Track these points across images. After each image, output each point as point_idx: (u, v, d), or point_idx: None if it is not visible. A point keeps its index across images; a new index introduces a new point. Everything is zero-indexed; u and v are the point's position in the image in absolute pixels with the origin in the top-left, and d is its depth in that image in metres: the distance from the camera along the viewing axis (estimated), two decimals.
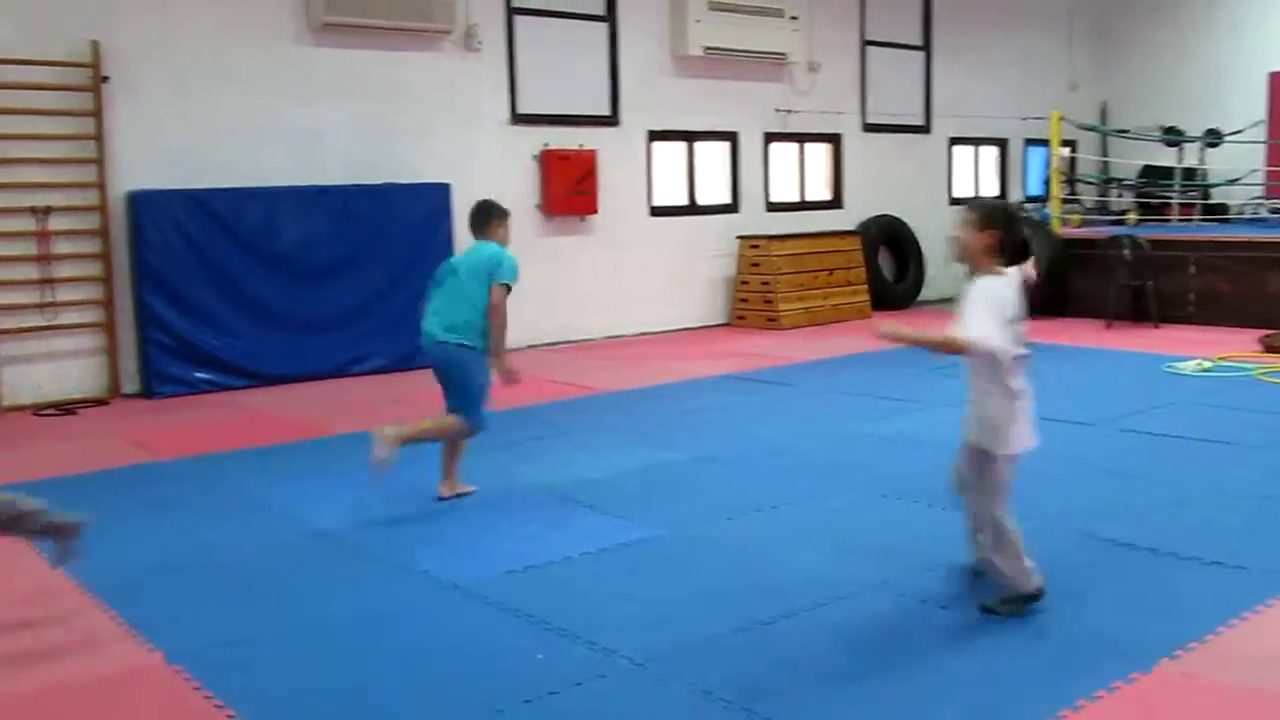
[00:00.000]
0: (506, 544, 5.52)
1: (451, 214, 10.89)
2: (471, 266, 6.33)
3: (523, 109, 11.86)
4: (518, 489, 6.55)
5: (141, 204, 9.56)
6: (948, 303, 15.54)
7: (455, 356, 6.21)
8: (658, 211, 13.13)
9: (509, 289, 6.26)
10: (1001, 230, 4.33)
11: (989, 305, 4.24)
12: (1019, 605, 4.46)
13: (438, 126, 11.24)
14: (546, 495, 6.40)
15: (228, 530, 5.90)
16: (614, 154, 12.55)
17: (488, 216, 6.57)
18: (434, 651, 4.29)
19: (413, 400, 9.29)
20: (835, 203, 15.03)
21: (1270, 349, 10.55)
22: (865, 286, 14.36)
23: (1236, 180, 15.78)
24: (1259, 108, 16.25)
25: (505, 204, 11.51)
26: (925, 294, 15.69)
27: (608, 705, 3.84)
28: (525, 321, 11.98)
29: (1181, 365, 9.86)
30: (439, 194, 10.87)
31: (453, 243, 10.90)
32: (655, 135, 13.04)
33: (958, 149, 16.58)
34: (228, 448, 7.76)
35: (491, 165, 11.66)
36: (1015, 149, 17.33)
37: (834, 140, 14.91)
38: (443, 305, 6.32)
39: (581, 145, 12.21)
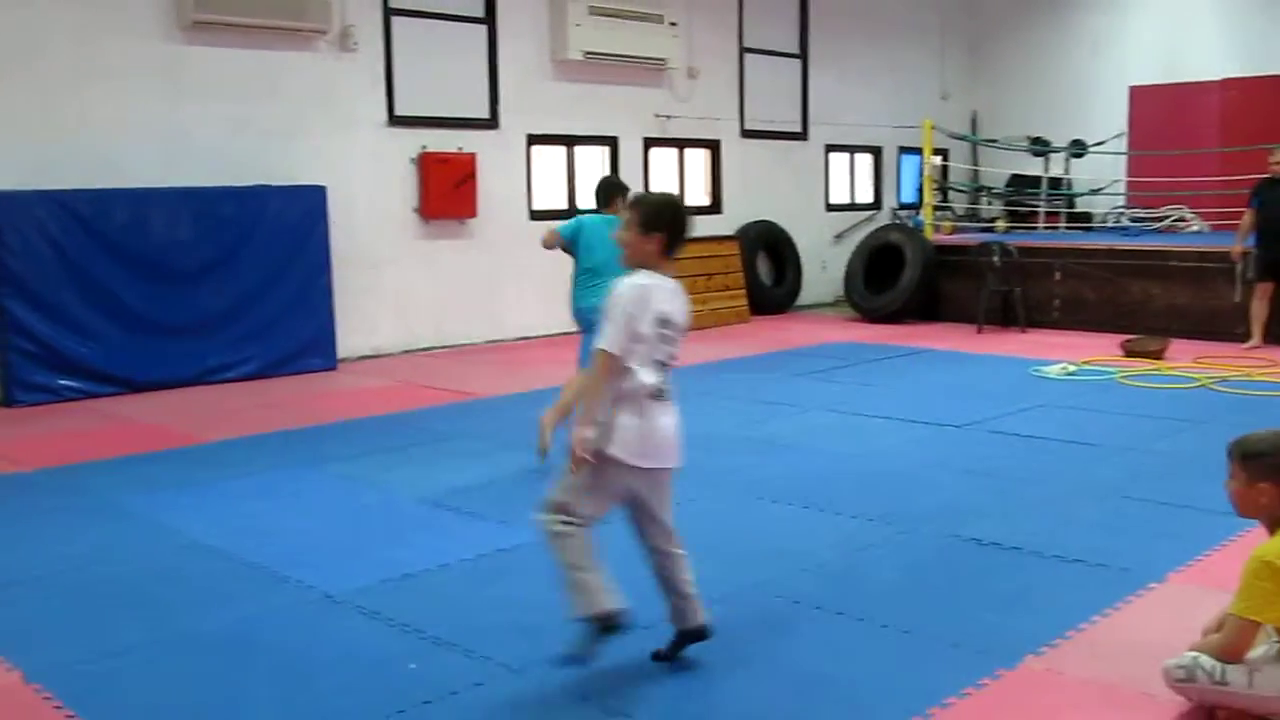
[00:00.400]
0: (382, 552, 5.45)
1: (327, 216, 10.72)
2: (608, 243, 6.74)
3: (400, 111, 11.72)
4: (394, 496, 6.46)
5: (1, 205, 9.22)
6: (824, 307, 15.81)
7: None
8: (538, 215, 13.07)
9: None
10: (667, 232, 4.05)
11: (618, 315, 3.88)
12: (585, 635, 3.92)
13: (313, 128, 11.05)
14: (423, 502, 6.33)
15: (94, 542, 5.72)
16: (493, 157, 12.48)
17: (613, 192, 7.49)
18: (307, 663, 4.21)
19: (285, 405, 9.14)
20: (714, 208, 15.15)
21: (1131, 353, 10.91)
22: (743, 291, 14.50)
23: (1099, 190, 16.31)
24: (1120, 120, 16.80)
25: (382, 208, 11.56)
26: (802, 299, 15.89)
27: (483, 713, 3.81)
28: (403, 326, 11.88)
29: (1047, 369, 10.14)
30: (314, 196, 10.68)
31: (328, 245, 10.75)
32: (535, 139, 13.00)
33: (834, 156, 16.84)
34: (94, 457, 7.52)
35: (368, 167, 11.51)
36: (890, 157, 17.66)
37: (713, 146, 15.03)
38: (599, 282, 6.84)
39: (460, 148, 12.12)
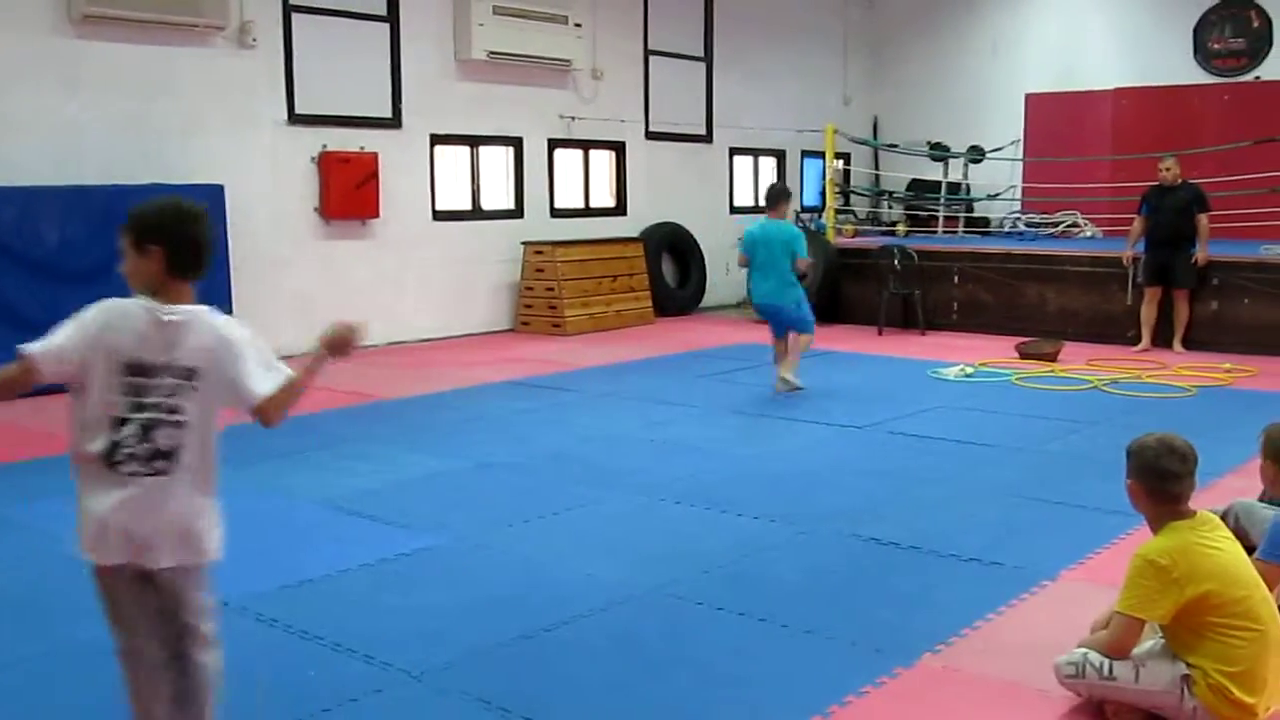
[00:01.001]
0: (281, 558, 5.36)
1: (225, 216, 10.51)
2: (776, 243, 9.20)
3: (301, 109, 11.55)
4: (294, 501, 6.37)
5: None
6: (728, 309, 15.91)
7: (787, 308, 9.34)
8: (441, 216, 12.99)
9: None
10: (166, 245, 3.18)
11: (60, 330, 3.16)
12: None
13: (210, 126, 10.84)
14: (324, 507, 6.25)
15: None
16: (396, 157, 12.36)
17: (779, 197, 9.50)
18: None
19: None
20: (619, 210, 15.17)
21: (1026, 356, 11.14)
22: (648, 293, 14.54)
23: (997, 195, 16.64)
24: (1017, 127, 17.14)
25: (282, 208, 11.38)
26: (707, 301, 15.98)
27: None
28: (303, 328, 11.68)
29: (945, 371, 10.31)
30: (211, 196, 10.40)
31: (226, 246, 10.54)
32: (438, 139, 12.91)
33: (738, 159, 16.95)
34: None
35: (268, 166, 11.32)
36: (793, 160, 17.83)
37: (618, 148, 15.05)
38: (764, 277, 9.36)
39: (362, 148, 11.98)
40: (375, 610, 4.73)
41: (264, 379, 3.28)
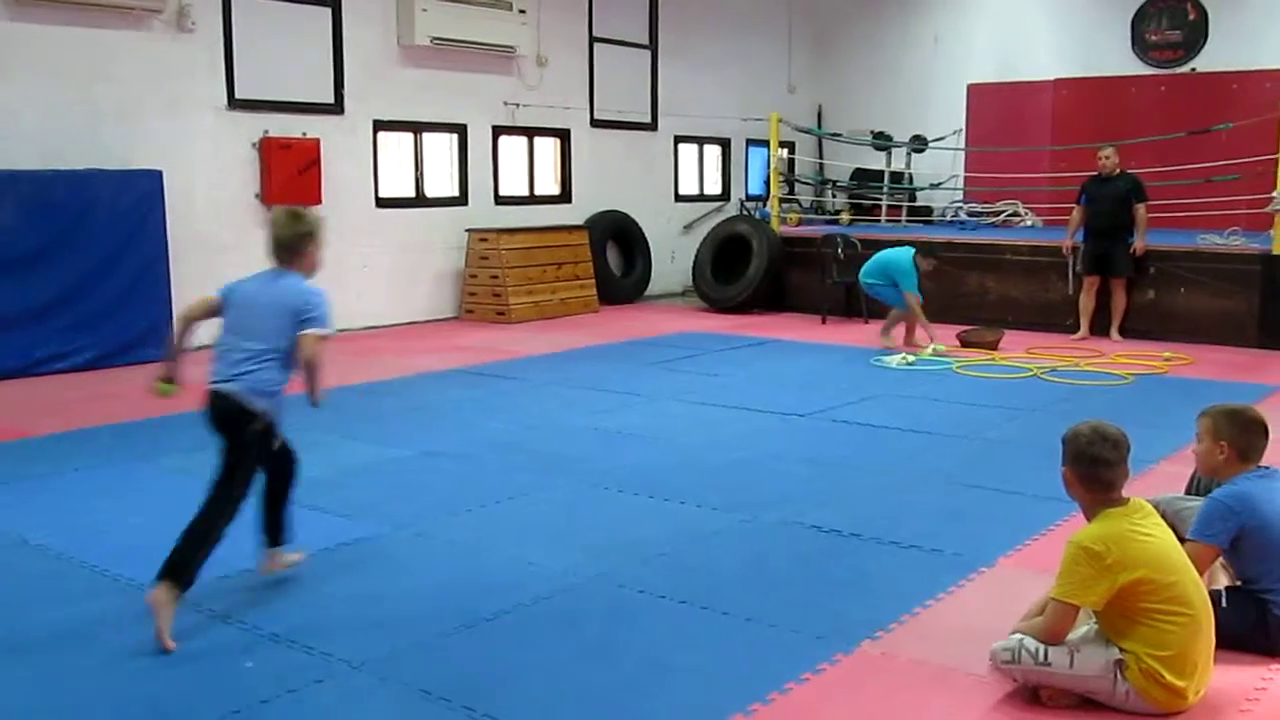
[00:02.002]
0: (220, 548, 5.29)
1: (164, 202, 10.38)
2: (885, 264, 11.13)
3: (241, 94, 11.41)
4: None
5: None
6: (673, 297, 15.94)
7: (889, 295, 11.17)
8: (384, 203, 12.90)
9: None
10: None
11: None
12: None
13: (147, 110, 10.68)
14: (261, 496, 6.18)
15: None
16: (338, 143, 12.25)
17: None
18: (139, 663, 4.08)
19: (120, 397, 8.84)
20: (564, 197, 15.13)
21: (967, 344, 11.26)
22: (592, 281, 14.52)
23: (939, 184, 16.76)
24: (959, 116, 17.28)
25: (222, 194, 11.24)
26: (652, 289, 15.99)
27: (322, 711, 3.76)
28: None
29: (888, 359, 10.40)
30: (149, 181, 10.33)
31: (165, 232, 10.42)
32: (381, 125, 12.81)
33: (683, 147, 16.96)
34: None
35: (207, 152, 11.18)
36: (738, 149, 17.87)
37: (563, 135, 15.01)
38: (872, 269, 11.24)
39: (304, 134, 11.87)
40: (316, 600, 4.70)
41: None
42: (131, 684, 3.93)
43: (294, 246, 4.80)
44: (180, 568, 4.29)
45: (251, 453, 4.63)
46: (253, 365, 4.60)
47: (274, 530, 4.86)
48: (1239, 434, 4.25)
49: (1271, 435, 4.37)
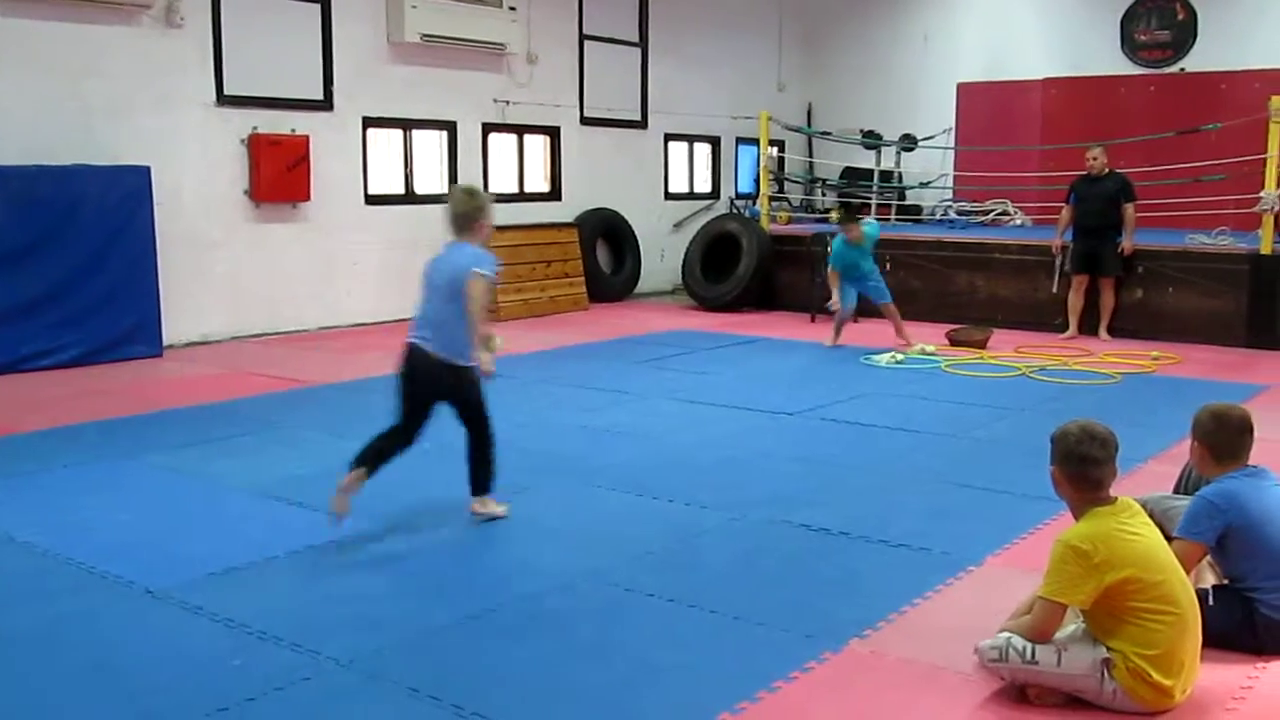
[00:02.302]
0: (207, 546, 5.30)
1: (152, 198, 10.35)
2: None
3: (230, 90, 11.37)
4: (221, 488, 6.30)
5: None
6: (663, 295, 15.93)
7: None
8: (373, 200, 12.87)
9: None
10: None
11: None
12: None
13: (137, 107, 10.64)
14: (252, 493, 6.18)
15: None
16: (328, 140, 12.21)
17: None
18: (124, 661, 4.08)
19: (107, 393, 8.82)
20: (553, 195, 15.11)
21: (955, 343, 11.27)
22: (582, 279, 14.51)
23: (929, 183, 16.78)
24: (948, 115, 17.29)
25: (211, 190, 11.22)
26: (641, 287, 15.98)
27: (309, 709, 3.75)
28: (232, 312, 11.56)
29: (877, 358, 10.41)
30: (137, 177, 10.29)
31: (153, 228, 10.39)
32: (371, 122, 12.78)
33: (673, 145, 16.95)
34: None
35: (196, 148, 11.14)
36: (727, 147, 17.86)
37: (552, 133, 14.99)
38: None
39: (294, 130, 11.84)
40: (304, 598, 4.69)
41: None
42: (115, 681, 3.92)
43: (469, 218, 5.59)
44: (483, 483, 5.68)
45: (472, 393, 5.60)
46: (449, 328, 5.40)
47: (479, 480, 5.73)
48: (1211, 432, 4.28)
49: (1260, 434, 4.39)
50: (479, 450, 5.68)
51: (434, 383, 5.53)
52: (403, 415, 5.58)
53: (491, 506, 5.72)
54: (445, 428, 7.69)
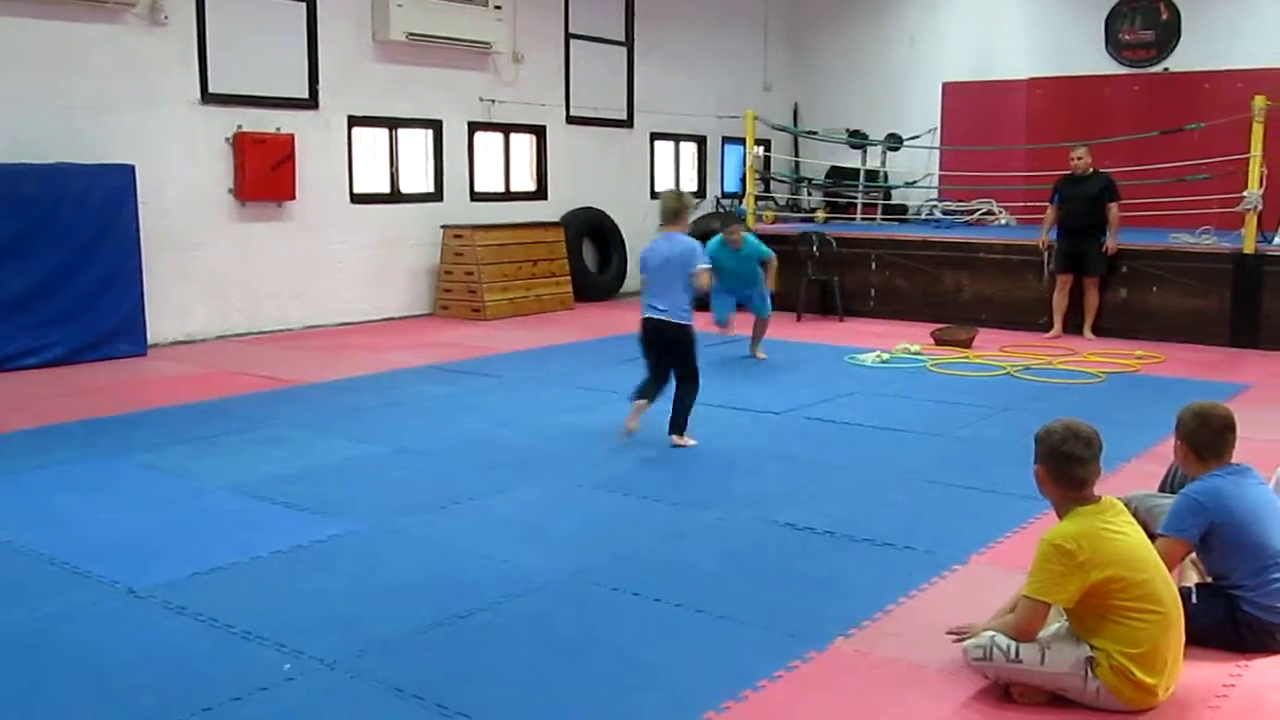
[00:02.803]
0: (191, 545, 5.28)
1: (136, 197, 10.31)
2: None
3: (215, 89, 11.33)
4: (205, 487, 6.27)
5: None
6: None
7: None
8: (359, 199, 12.83)
9: None
10: None
11: None
12: None
13: (120, 104, 10.60)
14: (236, 493, 6.16)
15: None
16: (313, 138, 12.19)
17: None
18: (107, 661, 4.06)
19: (91, 392, 8.79)
20: (540, 194, 15.10)
21: (941, 342, 11.29)
22: (568, 278, 14.50)
23: (914, 183, 16.81)
24: (934, 115, 17.32)
25: (195, 189, 11.18)
26: (628, 286, 15.96)
27: (293, 709, 3.74)
28: (217, 311, 11.53)
29: (863, 357, 10.42)
30: (121, 176, 10.24)
31: (138, 227, 10.35)
32: (356, 120, 12.75)
33: (659, 144, 16.95)
34: None
35: (181, 146, 11.10)
36: (714, 146, 17.86)
37: (538, 132, 14.97)
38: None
39: (279, 128, 11.80)
40: (288, 597, 4.67)
41: None
42: (98, 681, 3.91)
43: (677, 213, 7.40)
44: (682, 423, 7.19)
45: (691, 348, 7.18)
46: (674, 297, 7.08)
47: (678, 420, 7.21)
48: (1194, 431, 4.29)
49: (1243, 433, 4.40)
50: (686, 399, 7.18)
51: (668, 341, 7.13)
52: (652, 368, 7.24)
53: (687, 440, 7.15)
54: (407, 431, 7.71)
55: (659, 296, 7.12)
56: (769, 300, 10.73)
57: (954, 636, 4.02)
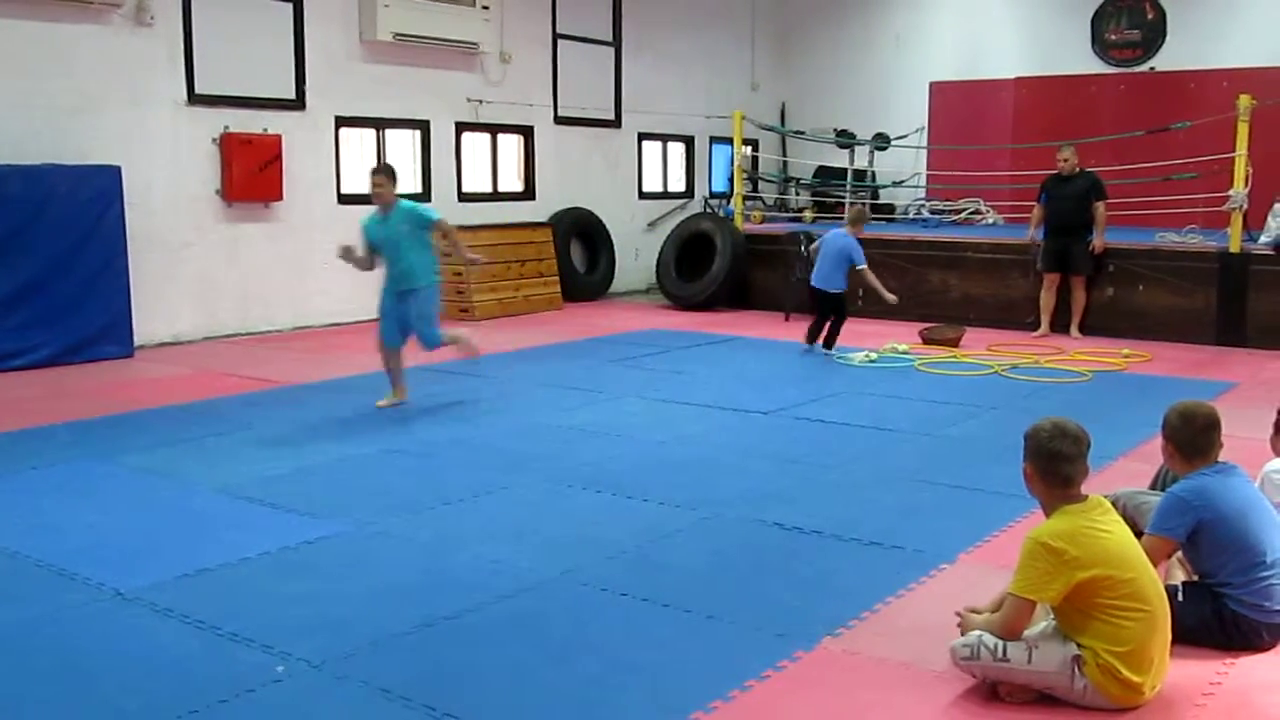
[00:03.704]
0: (179, 547, 5.27)
1: (122, 198, 10.28)
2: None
3: (201, 89, 11.30)
4: (192, 489, 6.25)
5: None
6: (637, 295, 15.92)
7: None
8: (346, 199, 12.80)
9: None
10: None
11: None
12: None
13: (106, 105, 10.56)
14: (223, 494, 6.15)
15: None
16: (300, 139, 12.16)
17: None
18: (94, 663, 4.04)
19: (77, 394, 8.76)
20: (528, 194, 15.09)
21: (928, 341, 11.31)
22: (556, 278, 14.49)
23: (902, 182, 16.82)
24: (921, 114, 17.35)
25: (182, 190, 11.14)
26: (616, 286, 15.97)
27: (281, 710, 3.73)
28: (204, 312, 11.50)
29: (851, 356, 10.43)
30: (107, 177, 10.21)
31: (124, 228, 10.32)
32: (344, 121, 12.73)
33: (647, 144, 16.95)
34: None
35: (167, 147, 11.07)
36: (701, 146, 17.87)
37: (526, 132, 14.96)
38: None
39: (266, 129, 11.78)
40: (275, 599, 4.66)
41: None
42: (85, 683, 3.89)
43: (857, 221, 10.91)
44: (833, 342, 10.62)
45: (843, 305, 10.72)
46: (834, 274, 10.54)
47: (829, 342, 10.67)
48: (1178, 430, 4.30)
49: (1229, 431, 4.42)
50: (837, 328, 10.67)
51: (827, 302, 10.64)
52: (818, 315, 10.75)
53: (832, 353, 10.53)
54: (395, 432, 7.69)
55: (823, 275, 10.58)
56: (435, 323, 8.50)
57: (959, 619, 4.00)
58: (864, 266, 10.41)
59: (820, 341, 10.70)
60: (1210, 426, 4.30)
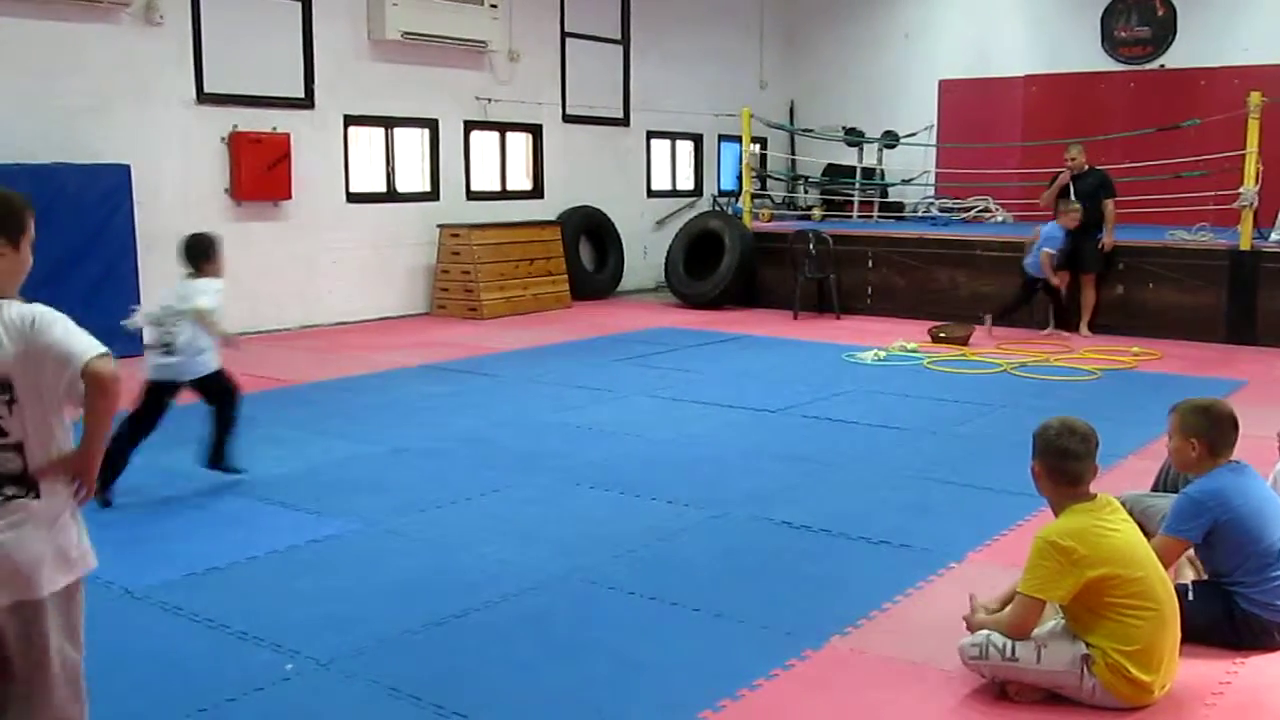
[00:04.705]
0: (187, 545, 5.28)
1: (132, 197, 10.30)
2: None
3: (210, 88, 11.32)
4: (201, 487, 6.26)
5: None
6: (646, 293, 15.93)
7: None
8: (355, 198, 12.82)
9: None
10: None
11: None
12: None
13: (116, 105, 10.58)
14: (232, 492, 6.16)
15: None
16: (309, 138, 12.17)
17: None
18: (103, 661, 3.99)
19: None
20: (536, 193, 15.10)
21: (937, 339, 11.29)
22: (565, 276, 14.49)
23: (910, 180, 16.80)
24: (930, 112, 17.33)
25: (191, 189, 11.15)
26: (624, 285, 15.97)
27: (289, 709, 3.74)
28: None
29: (860, 354, 10.41)
30: (117, 176, 10.23)
31: (134, 227, 10.34)
32: (352, 120, 12.74)
33: (656, 142, 16.95)
34: None
35: (176, 146, 11.09)
36: (710, 144, 17.86)
37: (534, 130, 14.97)
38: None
39: (275, 128, 11.79)
40: (284, 597, 4.67)
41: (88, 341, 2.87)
42: (93, 681, 3.88)
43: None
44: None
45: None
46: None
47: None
48: (1209, 429, 4.26)
49: (1240, 430, 4.40)
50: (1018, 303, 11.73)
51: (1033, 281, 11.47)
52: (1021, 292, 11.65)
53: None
54: (403, 431, 7.70)
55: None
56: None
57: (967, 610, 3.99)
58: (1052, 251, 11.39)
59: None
60: (1235, 423, 4.29)
